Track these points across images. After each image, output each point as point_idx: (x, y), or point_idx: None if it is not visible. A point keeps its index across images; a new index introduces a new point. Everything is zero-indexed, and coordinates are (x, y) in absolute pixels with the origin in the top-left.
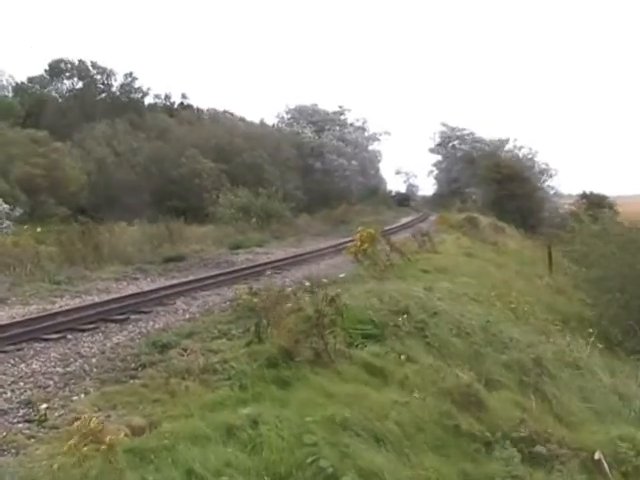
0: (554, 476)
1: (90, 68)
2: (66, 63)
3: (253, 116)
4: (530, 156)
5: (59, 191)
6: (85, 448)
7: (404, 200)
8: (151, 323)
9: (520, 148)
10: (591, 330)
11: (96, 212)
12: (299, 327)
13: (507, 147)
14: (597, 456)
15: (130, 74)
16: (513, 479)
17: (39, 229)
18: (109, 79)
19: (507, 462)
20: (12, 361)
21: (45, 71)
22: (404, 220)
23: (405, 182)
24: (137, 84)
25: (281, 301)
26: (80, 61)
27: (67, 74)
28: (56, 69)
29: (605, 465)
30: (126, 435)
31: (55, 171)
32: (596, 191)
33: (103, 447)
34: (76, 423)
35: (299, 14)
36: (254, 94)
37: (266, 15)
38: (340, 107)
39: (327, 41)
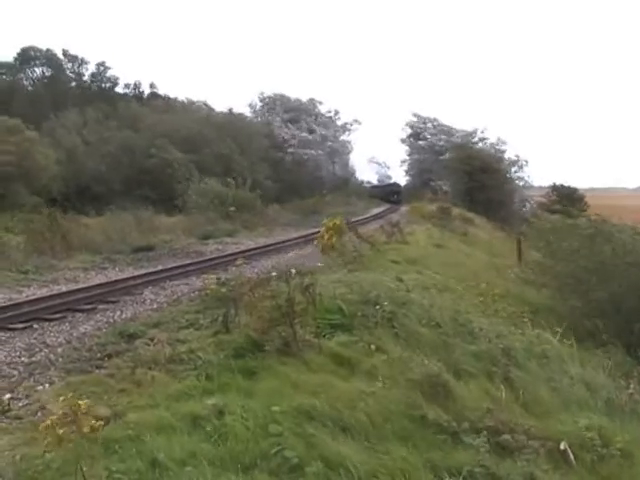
0: (520, 465)
1: (60, 56)
2: (35, 51)
3: (224, 105)
4: (499, 147)
5: (30, 180)
6: (62, 430)
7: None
8: (118, 313)
9: (488, 139)
10: (560, 322)
11: (67, 201)
12: (270, 315)
13: (477, 137)
14: (563, 446)
15: (102, 63)
16: (480, 469)
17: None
18: (80, 68)
19: (474, 452)
20: None
21: (14, 58)
22: (375, 211)
23: (377, 172)
24: (109, 73)
25: (256, 287)
26: (48, 49)
27: (37, 62)
28: (26, 56)
29: (571, 455)
30: None
31: (27, 160)
32: (567, 183)
33: (85, 429)
34: (60, 402)
35: (270, 4)
36: (224, 83)
37: (236, 5)
38: (312, 99)
39: (298, 30)
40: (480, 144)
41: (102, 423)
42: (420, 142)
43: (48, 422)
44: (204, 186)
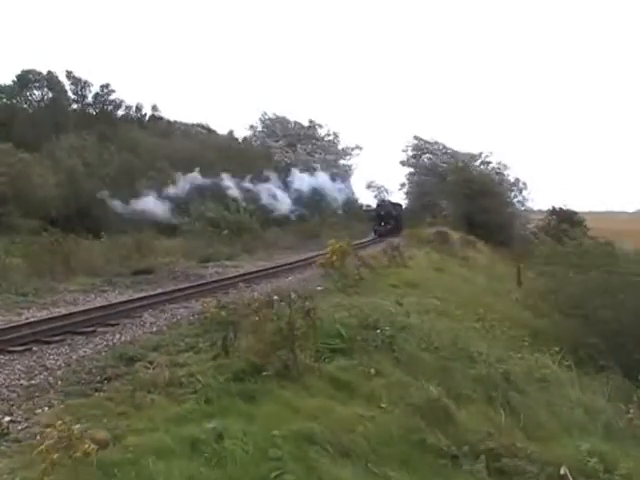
0: None
1: (61, 79)
2: (35, 74)
3: (224, 127)
4: (500, 170)
5: (26, 202)
6: (56, 455)
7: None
8: (118, 336)
9: (490, 163)
10: (559, 347)
11: (66, 223)
12: (271, 338)
13: (478, 162)
14: (563, 471)
15: (107, 85)
16: None
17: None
18: (84, 90)
19: (474, 476)
20: None
21: (13, 82)
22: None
23: (376, 196)
24: (113, 96)
25: (258, 310)
26: (49, 72)
27: (37, 84)
28: (25, 79)
29: None
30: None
31: (21, 182)
32: (566, 207)
33: (77, 454)
34: (52, 428)
35: (270, 28)
36: (226, 104)
37: (237, 30)
38: (312, 121)
39: (299, 53)
40: (482, 167)
41: (95, 448)
42: (420, 165)
43: (43, 447)
44: (200, 210)
